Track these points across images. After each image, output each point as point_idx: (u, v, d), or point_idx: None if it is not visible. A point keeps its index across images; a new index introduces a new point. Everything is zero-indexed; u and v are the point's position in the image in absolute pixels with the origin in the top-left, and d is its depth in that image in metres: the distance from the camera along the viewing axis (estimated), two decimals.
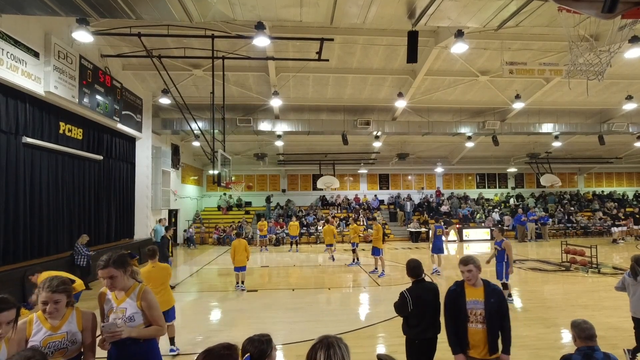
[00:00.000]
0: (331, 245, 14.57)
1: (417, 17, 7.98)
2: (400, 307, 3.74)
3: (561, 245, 13.05)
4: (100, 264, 2.79)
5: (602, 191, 27.16)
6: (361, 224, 22.10)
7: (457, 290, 3.32)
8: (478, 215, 22.95)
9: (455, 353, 3.27)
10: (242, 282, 9.72)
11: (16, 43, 8.04)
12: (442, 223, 12.70)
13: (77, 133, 10.84)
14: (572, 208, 24.25)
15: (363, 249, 17.22)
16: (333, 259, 14.35)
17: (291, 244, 18.28)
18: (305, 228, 21.30)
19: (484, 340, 3.15)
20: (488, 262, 8.33)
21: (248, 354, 1.94)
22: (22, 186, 8.79)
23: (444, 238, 11.70)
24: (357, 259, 13.29)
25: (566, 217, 22.74)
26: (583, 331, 2.92)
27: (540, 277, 10.82)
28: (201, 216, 22.97)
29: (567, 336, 5.93)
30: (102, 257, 2.82)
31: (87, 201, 11.46)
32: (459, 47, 10.31)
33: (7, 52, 7.81)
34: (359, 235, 14.35)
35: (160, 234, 13.85)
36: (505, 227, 21.48)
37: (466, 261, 3.26)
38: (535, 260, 13.73)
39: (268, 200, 24.31)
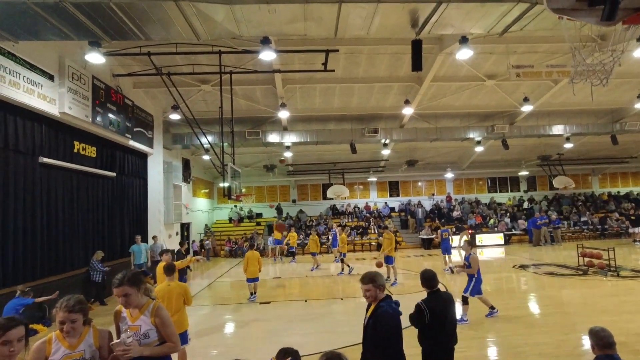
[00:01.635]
0: (315, 254, 15.38)
1: (421, 25, 8.02)
2: (416, 319, 3.72)
3: (577, 248, 12.79)
4: (115, 282, 2.89)
5: (618, 192, 26.58)
6: (373, 232, 22.07)
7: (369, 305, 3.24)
8: (491, 220, 22.61)
9: None
10: (255, 293, 9.85)
11: (32, 67, 8.32)
12: (454, 229, 13.67)
13: (91, 151, 11.10)
14: (611, 208, 23.90)
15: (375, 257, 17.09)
16: (316, 268, 15.02)
17: (292, 254, 18.34)
18: None
19: None
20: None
21: (290, 358, 2.10)
22: (39, 205, 9.01)
23: (452, 243, 13.07)
24: (348, 266, 13.59)
25: (598, 220, 22.26)
26: (601, 339, 2.86)
27: (557, 282, 10.61)
28: (212, 229, 23.11)
29: (586, 343, 5.77)
30: (117, 276, 2.91)
31: (101, 217, 11.67)
32: (464, 53, 10.32)
33: (24, 76, 8.09)
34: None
35: (139, 255, 12.19)
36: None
37: (362, 280, 3.14)
38: (551, 264, 13.46)
39: (279, 211, 24.38)
